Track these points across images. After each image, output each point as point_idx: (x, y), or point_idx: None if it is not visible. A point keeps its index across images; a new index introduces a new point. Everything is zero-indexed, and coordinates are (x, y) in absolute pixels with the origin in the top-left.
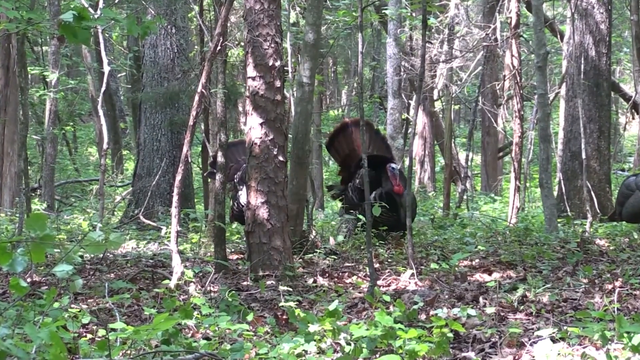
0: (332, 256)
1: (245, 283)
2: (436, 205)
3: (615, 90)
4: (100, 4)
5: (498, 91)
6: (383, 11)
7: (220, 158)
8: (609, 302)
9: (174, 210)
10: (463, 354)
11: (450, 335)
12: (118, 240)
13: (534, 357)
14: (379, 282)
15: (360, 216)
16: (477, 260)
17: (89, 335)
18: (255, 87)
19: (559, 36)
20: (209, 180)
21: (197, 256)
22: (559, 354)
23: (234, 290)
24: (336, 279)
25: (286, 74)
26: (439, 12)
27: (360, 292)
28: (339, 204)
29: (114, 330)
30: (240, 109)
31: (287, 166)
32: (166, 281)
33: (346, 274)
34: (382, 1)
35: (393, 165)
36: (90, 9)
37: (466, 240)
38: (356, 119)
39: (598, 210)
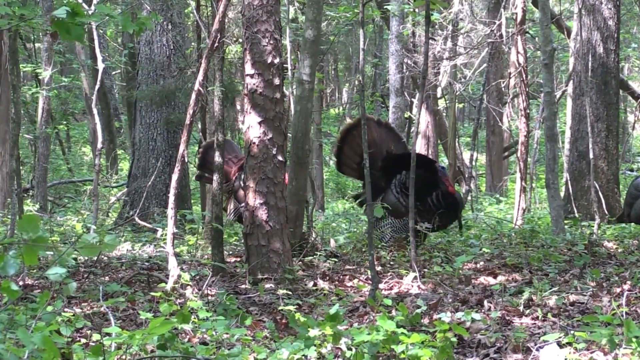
0: (333, 259)
1: (243, 286)
2: None
3: (624, 88)
4: (94, 0)
5: (503, 89)
6: (385, 7)
7: (217, 158)
8: (617, 306)
9: (170, 212)
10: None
11: (454, 340)
12: (113, 242)
13: None
14: (381, 286)
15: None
16: (481, 263)
17: (83, 340)
18: (254, 84)
19: (565, 33)
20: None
21: (194, 259)
22: (565, 359)
23: (232, 293)
24: (337, 282)
25: (285, 71)
26: (443, 7)
27: (361, 296)
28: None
29: (108, 334)
30: (238, 107)
31: (286, 166)
32: (162, 284)
33: (347, 277)
34: None
35: (442, 165)
36: (84, 4)
37: (470, 242)
38: (351, 124)
39: (606, 212)
